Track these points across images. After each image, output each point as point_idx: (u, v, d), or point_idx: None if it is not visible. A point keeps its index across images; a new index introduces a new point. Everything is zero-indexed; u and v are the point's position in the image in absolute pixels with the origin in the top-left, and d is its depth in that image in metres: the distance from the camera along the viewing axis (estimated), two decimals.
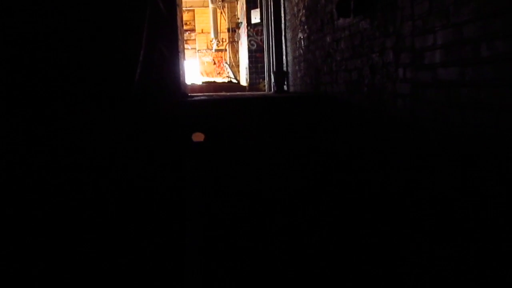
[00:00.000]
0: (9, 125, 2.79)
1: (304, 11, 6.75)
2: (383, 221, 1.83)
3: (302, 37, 6.99)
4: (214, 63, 22.79)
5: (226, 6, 18.48)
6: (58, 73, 3.05)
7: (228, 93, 9.80)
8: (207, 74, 22.29)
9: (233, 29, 17.63)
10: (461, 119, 2.53)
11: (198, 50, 23.98)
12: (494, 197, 1.98)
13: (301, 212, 2.01)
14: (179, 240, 1.71)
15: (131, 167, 2.79)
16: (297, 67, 7.50)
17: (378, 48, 3.74)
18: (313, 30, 6.22)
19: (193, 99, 7.28)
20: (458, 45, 2.55)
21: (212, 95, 8.71)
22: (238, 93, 10.16)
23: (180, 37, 8.00)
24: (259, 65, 12.33)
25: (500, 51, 2.18)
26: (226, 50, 19.43)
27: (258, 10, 11.42)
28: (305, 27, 6.71)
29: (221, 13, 19.44)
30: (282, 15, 8.31)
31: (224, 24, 19.32)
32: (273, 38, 8.46)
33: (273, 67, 8.46)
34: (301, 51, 7.06)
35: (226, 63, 18.46)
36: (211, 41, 21.12)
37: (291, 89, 8.09)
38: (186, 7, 21.68)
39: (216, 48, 21.03)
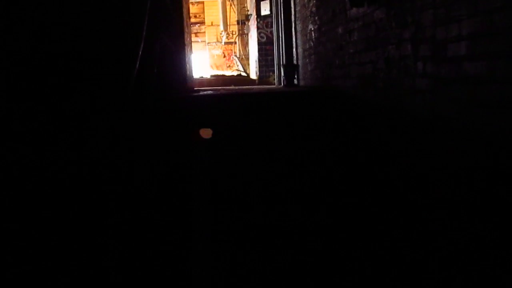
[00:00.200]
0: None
1: (314, 1, 6.45)
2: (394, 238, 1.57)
3: (312, 29, 6.70)
4: (224, 56, 22.55)
5: None
6: (49, 68, 2.82)
7: (236, 87, 9.55)
8: (217, 67, 22.06)
9: (243, 22, 17.34)
10: (490, 120, 2.25)
11: (207, 43, 23.72)
12: None
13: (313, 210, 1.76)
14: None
15: (123, 168, 2.55)
16: (307, 60, 7.21)
17: (395, 40, 3.45)
18: (324, 21, 5.93)
19: (198, 94, 7.05)
20: (488, 35, 2.27)
21: (219, 89, 8.47)
22: (246, 87, 9.90)
23: (186, 29, 7.75)
24: (269, 58, 12.04)
25: None
26: (235, 42, 19.16)
27: (267, 1, 11.12)
28: (316, 18, 6.42)
29: (231, 5, 19.15)
30: (292, 5, 8.02)
31: (233, 16, 19.03)
32: (283, 30, 8.18)
33: (283, 60, 8.18)
34: (312, 43, 6.77)
35: (236, 56, 18.19)
36: (220, 33, 20.86)
37: (301, 82, 7.80)
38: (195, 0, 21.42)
39: (226, 40, 20.78)
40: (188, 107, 5.38)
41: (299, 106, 4.90)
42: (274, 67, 10.54)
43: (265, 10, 11.62)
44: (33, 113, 2.58)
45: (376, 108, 3.88)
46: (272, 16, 10.31)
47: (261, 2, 11.84)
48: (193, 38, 23.66)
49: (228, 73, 15.71)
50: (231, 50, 21.07)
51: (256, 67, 12.56)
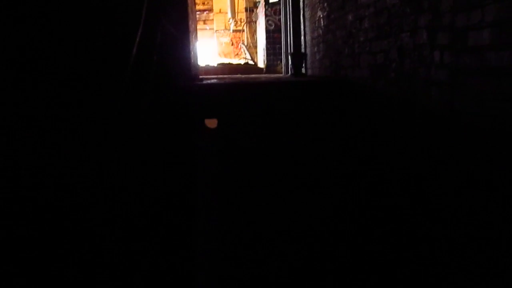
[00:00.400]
0: None
1: None
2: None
3: (321, 16, 6.43)
4: (232, 44, 22.26)
5: None
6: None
7: (242, 76, 9.31)
8: (225, 55, 21.79)
9: (251, 9, 17.02)
10: None
11: (216, 31, 23.43)
12: None
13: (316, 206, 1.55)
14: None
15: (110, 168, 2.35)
16: (315, 48, 6.95)
17: (409, 27, 3.20)
18: (333, 7, 5.66)
19: (202, 83, 6.83)
20: None
21: (224, 78, 8.24)
22: (253, 75, 9.66)
23: (191, 15, 7.50)
24: (277, 46, 11.78)
25: None
26: (243, 30, 18.87)
27: None
28: (325, 4, 6.15)
29: None
30: None
31: (241, 3, 18.71)
32: (291, 17, 7.90)
33: (290, 49, 7.92)
34: (320, 31, 6.51)
35: (243, 44, 17.91)
36: (228, 21, 20.57)
37: (309, 72, 7.55)
38: None
39: (234, 28, 20.50)
40: (190, 97, 5.17)
41: (307, 96, 4.67)
42: (282, 56, 10.28)
43: None
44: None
45: (387, 101, 3.64)
46: (280, 2, 10.03)
47: None
48: (201, 26, 23.43)
49: (235, 61, 15.46)
50: (239, 38, 20.78)
51: (264, 56, 12.30)
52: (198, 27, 21.68)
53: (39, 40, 2.54)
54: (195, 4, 8.71)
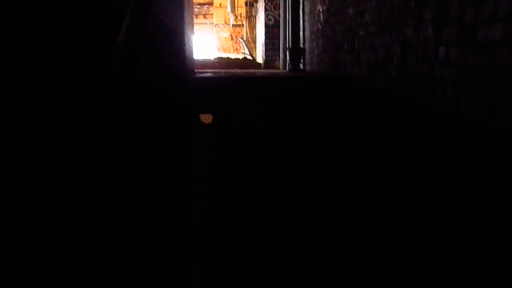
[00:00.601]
0: None
1: None
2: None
3: (321, 10, 6.23)
4: (232, 39, 22.04)
5: None
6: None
7: (239, 71, 9.10)
8: (224, 50, 21.57)
9: (251, 3, 16.82)
10: None
11: (215, 25, 23.19)
12: None
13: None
14: None
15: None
16: (314, 43, 6.75)
17: (413, 21, 3.01)
18: (333, 1, 5.46)
19: (197, 77, 6.63)
20: None
21: (220, 72, 8.04)
22: (250, 70, 9.46)
23: (187, 7, 7.29)
24: (276, 41, 11.58)
25: None
26: (243, 25, 18.65)
27: None
28: None
29: None
30: None
31: None
32: (290, 11, 7.70)
33: (289, 44, 7.72)
34: (320, 25, 6.31)
35: (242, 38, 17.70)
36: (228, 16, 20.34)
37: (307, 67, 7.35)
38: None
39: (234, 23, 20.27)
40: (184, 91, 4.98)
41: (304, 93, 4.47)
42: (280, 51, 10.09)
43: None
44: None
45: (387, 99, 3.45)
46: None
47: None
48: (201, 20, 23.19)
49: (233, 56, 15.25)
50: (239, 33, 20.55)
51: (263, 51, 12.10)
52: (198, 22, 21.43)
53: (16, 27, 2.34)
54: None
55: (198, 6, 22.27)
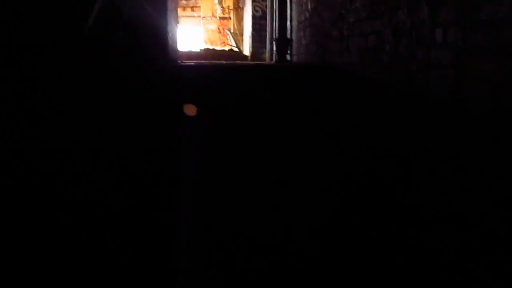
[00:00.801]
0: None
1: None
2: None
3: None
4: (219, 32, 21.75)
5: None
6: None
7: (225, 62, 8.86)
8: (211, 43, 21.28)
9: None
10: None
11: (202, 17, 22.88)
12: None
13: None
14: None
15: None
16: (301, 33, 6.52)
17: (407, 3, 2.79)
18: None
19: (181, 67, 6.40)
20: None
21: (206, 64, 7.81)
22: (237, 62, 9.22)
23: None
24: (263, 33, 11.34)
25: None
26: (230, 18, 18.39)
27: None
28: None
29: None
30: None
31: None
32: (277, 1, 7.46)
33: (276, 34, 7.49)
34: (307, 14, 6.07)
35: (229, 30, 17.45)
36: (215, 7, 20.06)
37: (294, 58, 7.12)
38: None
39: (221, 15, 19.99)
40: (167, 82, 4.75)
41: (290, 83, 4.25)
42: (267, 43, 9.86)
43: None
44: None
45: (379, 88, 3.23)
46: None
47: None
48: (189, 13, 22.86)
49: (220, 48, 14.99)
50: (226, 25, 20.28)
51: (249, 43, 11.87)
52: (185, 14, 21.12)
53: None
54: None
55: None
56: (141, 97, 3.42)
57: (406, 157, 2.04)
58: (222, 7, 19.24)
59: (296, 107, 3.07)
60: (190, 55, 10.77)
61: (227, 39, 19.19)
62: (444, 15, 2.34)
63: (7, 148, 1.73)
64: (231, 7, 17.93)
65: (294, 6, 7.16)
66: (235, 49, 14.03)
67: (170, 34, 6.81)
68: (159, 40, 5.93)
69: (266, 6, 10.79)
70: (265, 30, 10.82)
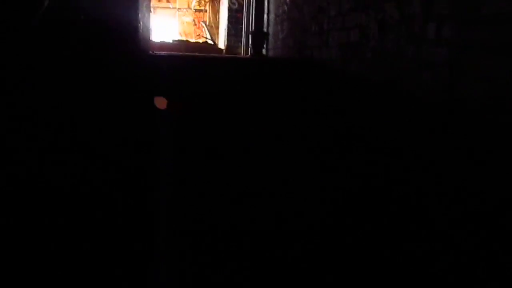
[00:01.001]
0: None
1: None
2: None
3: None
4: (195, 24, 21.37)
5: None
6: None
7: (198, 54, 8.56)
8: (186, 35, 20.89)
9: None
10: None
11: (178, 9, 22.45)
12: None
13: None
14: None
15: None
16: (279, 27, 6.27)
17: None
18: None
19: (152, 57, 6.10)
20: None
21: (179, 56, 7.50)
22: (211, 54, 8.93)
23: None
24: (239, 26, 11.06)
25: None
26: (206, 10, 18.04)
27: None
28: None
29: None
30: None
31: None
32: None
33: (252, 27, 7.23)
34: (286, 7, 5.83)
35: (204, 22, 17.12)
36: None
37: (270, 53, 6.87)
38: None
39: (197, 7, 19.60)
40: (135, 72, 4.46)
41: (264, 78, 4.00)
42: (243, 36, 9.59)
43: None
44: None
45: (361, 86, 3.01)
46: None
47: None
48: (164, 4, 22.39)
49: (194, 40, 14.66)
50: (202, 18, 19.91)
51: (225, 36, 11.60)
52: (160, 5, 20.64)
53: None
54: None
55: None
56: (106, 84, 3.12)
57: (393, 153, 1.81)
58: None
59: (272, 102, 2.83)
60: (163, 46, 10.42)
61: (202, 31, 18.84)
62: (438, 8, 2.13)
63: None
64: None
65: None
66: (210, 42, 13.74)
67: (141, 23, 6.48)
68: (128, 28, 5.60)
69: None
70: (241, 24, 10.55)
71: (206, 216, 1.32)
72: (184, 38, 14.59)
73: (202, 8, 19.03)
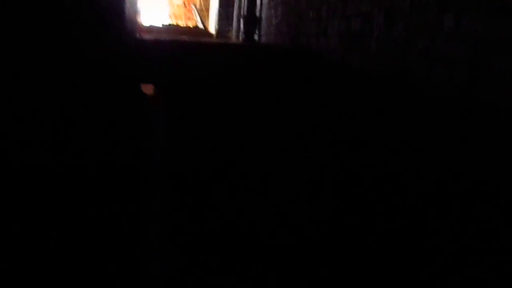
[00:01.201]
0: None
1: None
2: None
3: None
4: (185, 6, 20.98)
5: None
6: None
7: (187, 39, 8.30)
8: (176, 18, 20.53)
9: None
10: None
11: None
12: None
13: None
14: None
15: None
16: (272, 11, 6.02)
17: None
18: None
19: (140, 41, 5.86)
20: None
21: (168, 40, 7.25)
22: (201, 39, 8.66)
23: None
24: (230, 9, 10.79)
25: None
26: None
27: None
28: None
29: None
30: None
31: None
32: None
33: (244, 11, 6.97)
34: None
35: (195, 5, 16.77)
36: None
37: (263, 39, 6.62)
38: None
39: None
40: (121, 57, 4.23)
41: (256, 65, 3.77)
42: (234, 20, 9.33)
43: None
44: None
45: (364, 80, 2.80)
46: None
47: None
48: None
49: (184, 24, 14.35)
50: (192, 0, 19.53)
51: (216, 20, 11.31)
52: None
53: None
54: None
55: None
56: (84, 69, 2.88)
57: (395, 156, 1.61)
58: None
59: (263, 92, 2.62)
60: (152, 30, 10.13)
61: (192, 14, 18.46)
62: None
63: None
64: None
65: None
66: (200, 26, 13.44)
67: (128, 4, 6.19)
68: (113, 8, 5.31)
69: None
70: (233, 7, 10.27)
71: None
72: (174, 22, 14.25)
73: None
